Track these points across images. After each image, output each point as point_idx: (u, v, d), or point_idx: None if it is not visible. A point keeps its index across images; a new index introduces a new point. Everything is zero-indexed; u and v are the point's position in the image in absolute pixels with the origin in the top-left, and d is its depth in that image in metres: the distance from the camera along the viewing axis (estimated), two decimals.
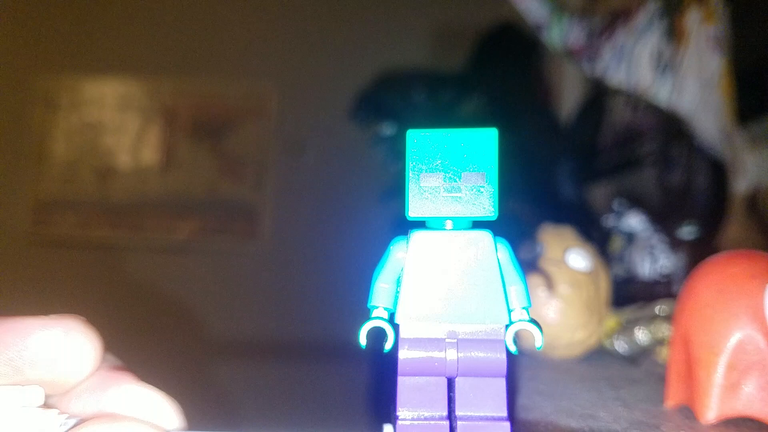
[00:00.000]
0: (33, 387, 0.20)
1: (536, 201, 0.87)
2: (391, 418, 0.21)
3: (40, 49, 1.40)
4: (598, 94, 0.99)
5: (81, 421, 0.20)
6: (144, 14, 1.40)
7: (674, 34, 0.81)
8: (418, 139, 0.21)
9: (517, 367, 0.38)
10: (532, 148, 1.02)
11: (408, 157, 0.21)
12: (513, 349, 0.21)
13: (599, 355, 0.43)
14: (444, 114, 1.09)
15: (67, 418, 0.20)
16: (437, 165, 0.21)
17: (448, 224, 0.22)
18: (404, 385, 0.21)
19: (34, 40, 1.40)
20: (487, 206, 0.21)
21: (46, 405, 0.20)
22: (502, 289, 0.21)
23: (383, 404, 0.21)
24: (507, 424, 0.20)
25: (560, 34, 0.90)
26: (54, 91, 1.41)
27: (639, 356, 0.42)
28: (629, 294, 0.56)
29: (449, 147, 0.21)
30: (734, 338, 0.28)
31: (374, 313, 0.22)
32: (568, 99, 1.07)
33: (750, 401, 0.28)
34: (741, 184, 0.77)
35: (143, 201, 1.38)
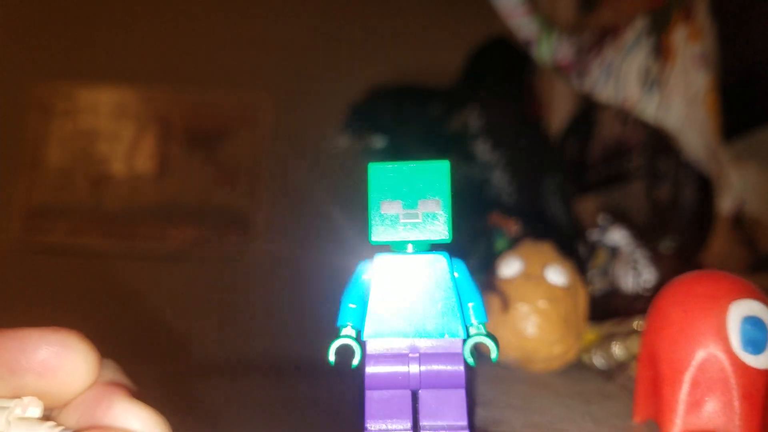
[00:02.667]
0: (32, 399, 0.21)
1: (526, 215, 0.88)
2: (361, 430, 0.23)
3: (35, 57, 1.41)
4: (588, 110, 1.00)
5: None
6: (139, 23, 1.41)
7: (661, 51, 0.82)
8: (378, 171, 0.23)
9: (493, 381, 0.38)
10: (522, 161, 1.03)
11: (370, 188, 0.23)
12: (470, 361, 0.22)
13: (577, 369, 0.44)
14: (435, 127, 1.10)
15: (63, 430, 0.20)
16: (396, 194, 0.23)
17: (410, 248, 0.24)
18: (371, 398, 0.22)
19: (29, 47, 1.40)
20: (442, 230, 0.23)
21: (44, 417, 0.21)
22: (457, 306, 0.23)
23: (359, 417, 0.23)
24: None
25: (549, 50, 0.91)
26: (49, 98, 1.42)
27: (615, 371, 0.42)
28: (612, 308, 0.57)
29: (407, 177, 0.23)
30: (698, 356, 0.29)
31: (343, 332, 0.23)
32: (559, 114, 1.09)
33: (712, 418, 0.29)
34: (726, 200, 0.78)
35: (137, 209, 1.39)
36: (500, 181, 1.00)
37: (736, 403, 0.28)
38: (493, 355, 0.23)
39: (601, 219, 0.67)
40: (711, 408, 0.29)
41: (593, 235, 0.66)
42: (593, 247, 0.67)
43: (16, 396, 0.21)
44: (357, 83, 1.19)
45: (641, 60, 0.83)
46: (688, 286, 0.31)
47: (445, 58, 1.19)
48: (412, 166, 0.23)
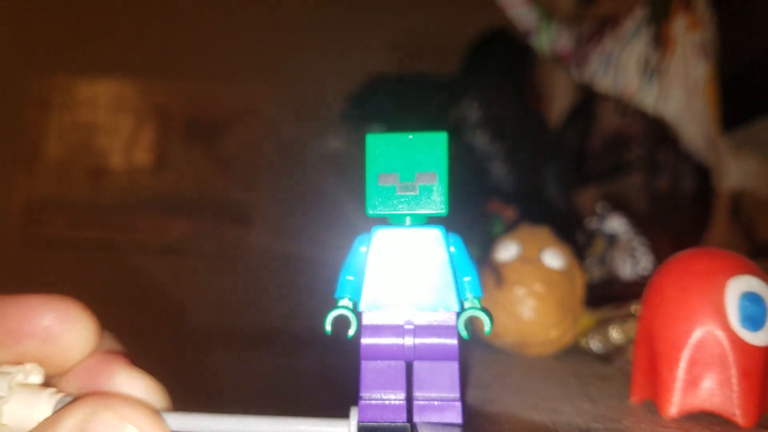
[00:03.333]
0: (33, 365, 0.21)
1: (524, 203, 0.88)
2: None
3: (34, 50, 1.40)
4: (587, 100, 0.99)
5: (75, 400, 0.20)
6: (138, 16, 1.40)
7: (661, 40, 0.81)
8: (376, 142, 0.23)
9: (489, 364, 0.38)
10: (522, 152, 1.02)
11: (367, 159, 0.23)
12: (464, 334, 0.23)
13: (573, 353, 0.44)
14: (434, 118, 1.10)
15: (63, 396, 0.20)
16: (393, 166, 0.23)
17: (408, 220, 0.23)
18: (366, 369, 0.23)
19: (28, 40, 1.40)
20: (438, 203, 0.23)
21: (45, 385, 0.21)
22: (452, 280, 0.23)
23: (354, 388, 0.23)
24: (458, 404, 0.22)
25: (549, 40, 0.91)
26: (47, 91, 1.41)
27: (612, 354, 0.42)
28: (609, 295, 0.57)
29: (404, 149, 0.23)
30: (696, 334, 0.29)
31: (340, 303, 0.24)
32: (559, 104, 1.08)
33: (710, 396, 0.28)
34: (725, 190, 0.78)
35: (136, 201, 1.39)
36: (499, 170, 0.99)
37: (735, 381, 0.28)
38: (487, 328, 0.23)
39: (599, 207, 0.67)
40: (709, 386, 0.28)
41: (592, 223, 0.66)
42: (591, 236, 0.66)
43: (18, 362, 0.21)
44: (357, 74, 1.18)
45: (641, 50, 0.83)
46: (686, 263, 0.30)
47: (445, 49, 1.18)
48: (410, 138, 0.23)
